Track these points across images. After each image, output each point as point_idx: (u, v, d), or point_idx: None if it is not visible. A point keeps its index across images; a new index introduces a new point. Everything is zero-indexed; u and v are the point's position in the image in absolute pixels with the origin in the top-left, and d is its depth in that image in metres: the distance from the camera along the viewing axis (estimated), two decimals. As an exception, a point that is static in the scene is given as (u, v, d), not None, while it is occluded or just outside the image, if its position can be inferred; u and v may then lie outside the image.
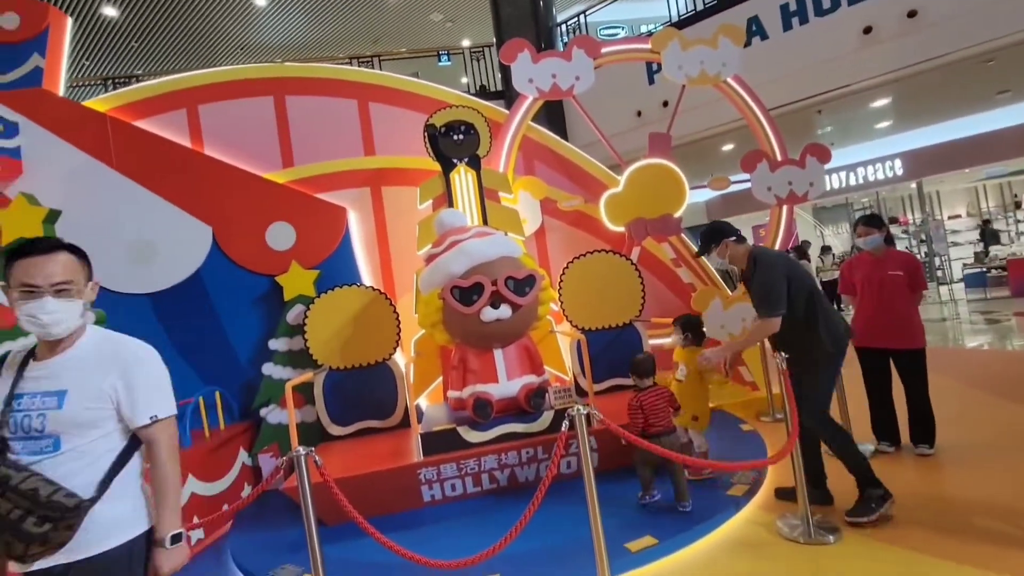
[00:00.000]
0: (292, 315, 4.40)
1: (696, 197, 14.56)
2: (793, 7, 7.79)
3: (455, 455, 3.44)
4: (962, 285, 12.22)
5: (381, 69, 10.25)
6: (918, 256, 10.02)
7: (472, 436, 3.49)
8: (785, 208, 5.27)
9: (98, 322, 3.48)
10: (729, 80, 5.23)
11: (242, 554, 3.24)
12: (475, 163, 4.51)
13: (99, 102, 4.59)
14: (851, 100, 8.40)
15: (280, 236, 4.63)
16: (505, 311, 3.46)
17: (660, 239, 5.20)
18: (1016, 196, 13.48)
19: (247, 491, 4.15)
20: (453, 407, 3.75)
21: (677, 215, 5.09)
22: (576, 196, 5.15)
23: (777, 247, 5.31)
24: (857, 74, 7.57)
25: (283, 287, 4.47)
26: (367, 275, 4.91)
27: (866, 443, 3.77)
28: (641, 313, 4.67)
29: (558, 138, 5.36)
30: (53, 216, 3.55)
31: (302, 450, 2.16)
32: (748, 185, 5.23)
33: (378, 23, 12.52)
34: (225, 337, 4.55)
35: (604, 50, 5.07)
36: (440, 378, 4.55)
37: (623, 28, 14.73)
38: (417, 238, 4.44)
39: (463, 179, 4.50)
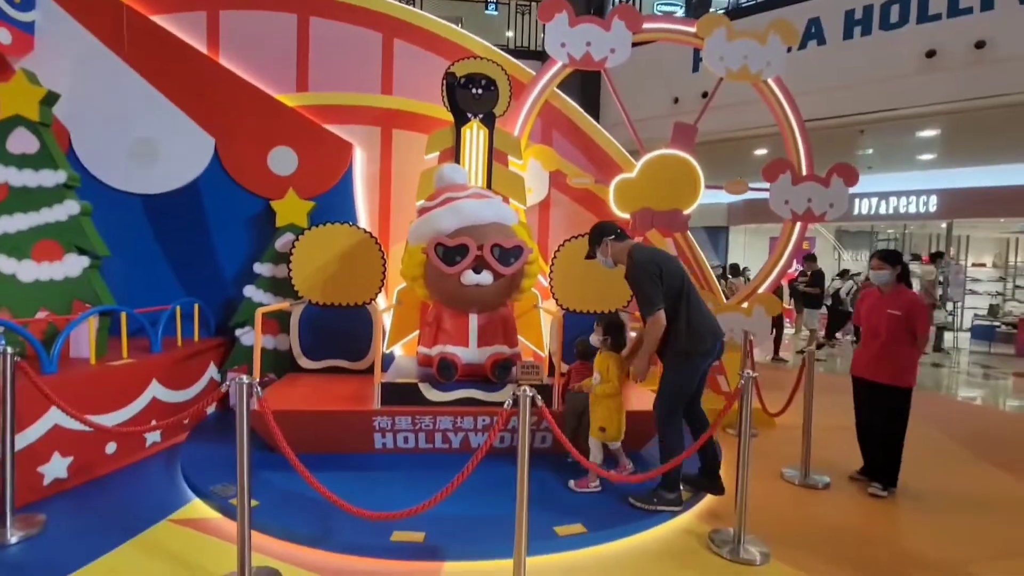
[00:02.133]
0: (281, 242, 4.37)
1: (719, 198, 14.22)
2: (859, 15, 7.34)
3: (411, 409, 3.46)
4: (968, 335, 11.97)
5: (422, 7, 9.87)
6: (934, 298, 9.80)
7: (432, 394, 3.50)
8: (799, 225, 5.10)
9: (83, 214, 3.48)
10: (769, 81, 4.97)
11: (191, 466, 3.31)
12: (489, 121, 4.36)
13: (118, -11, 4.45)
14: (899, 125, 8.03)
15: (282, 161, 4.55)
16: (486, 277, 3.41)
17: (665, 233, 5.07)
18: (1048, 255, 13.04)
19: (212, 405, 4.23)
20: (420, 362, 3.76)
21: (687, 211, 4.94)
22: (587, 175, 5.00)
23: (782, 263, 5.18)
24: (911, 98, 7.19)
25: (276, 213, 4.42)
26: (364, 216, 4.85)
27: (823, 475, 3.75)
28: (629, 304, 4.60)
29: (581, 110, 5.16)
30: (51, 99, 3.48)
31: (245, 379, 2.16)
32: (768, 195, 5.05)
33: (430, -43, 11.99)
34: (212, 252, 4.55)
35: (646, 25, 4.81)
36: (417, 331, 4.55)
37: (681, 7, 14.04)
38: (417, 188, 4.35)
39: (474, 135, 4.36)
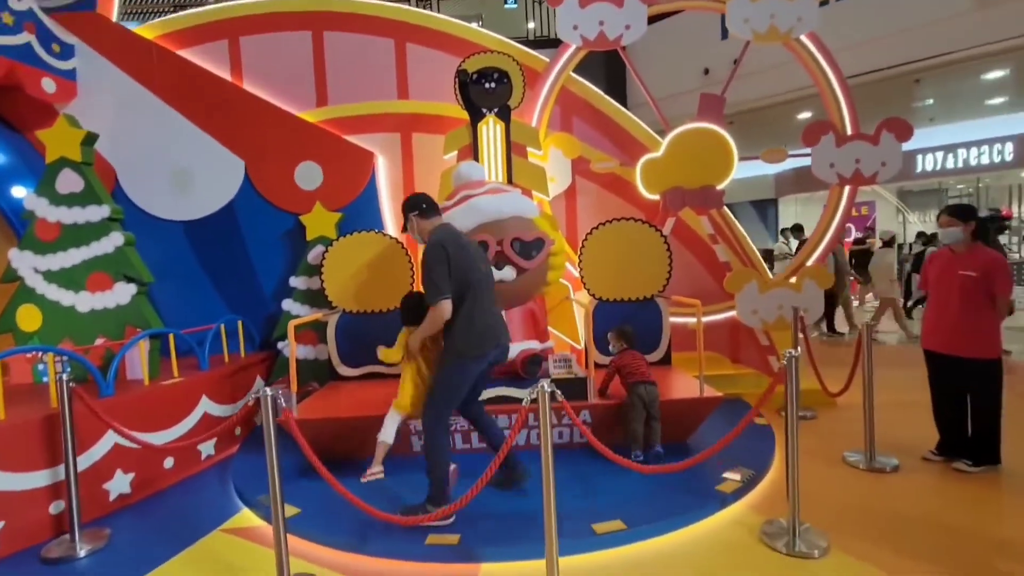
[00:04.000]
0: (312, 255, 4.49)
1: (764, 169, 13.51)
2: (902, -46, 6.74)
3: (446, 411, 3.45)
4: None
5: (439, 8, 9.91)
6: (1015, 255, 8.84)
7: (465, 394, 3.47)
8: (847, 189, 4.73)
9: (127, 244, 3.68)
10: (802, 38, 4.63)
11: (241, 477, 3.44)
12: (505, 114, 4.29)
13: (147, 28, 4.70)
14: (958, 69, 7.33)
15: (308, 176, 4.67)
16: (509, 273, 3.35)
17: (700, 211, 4.83)
18: None
19: (259, 417, 4.40)
20: (452, 363, 3.74)
21: (720, 187, 4.68)
22: (611, 159, 4.84)
23: (831, 232, 4.82)
24: (969, 38, 6.54)
25: (306, 227, 4.54)
26: (391, 223, 4.90)
27: (890, 456, 3.45)
28: (665, 289, 4.42)
29: (601, 93, 5.00)
30: (91, 139, 3.71)
31: (269, 391, 2.20)
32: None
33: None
34: (252, 270, 4.73)
35: (661, -4, 4.60)
36: (450, 332, 4.55)
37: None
38: (439, 189, 4.35)
39: (491, 130, 4.31)
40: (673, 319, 4.44)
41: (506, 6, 13.18)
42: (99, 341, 3.65)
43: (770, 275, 5.01)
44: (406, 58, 4.89)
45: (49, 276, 3.64)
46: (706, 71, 8.36)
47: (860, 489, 3.12)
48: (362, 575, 2.43)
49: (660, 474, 2.97)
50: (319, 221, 4.53)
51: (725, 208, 4.88)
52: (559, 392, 2.14)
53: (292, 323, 3.56)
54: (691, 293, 4.95)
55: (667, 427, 3.43)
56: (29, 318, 3.64)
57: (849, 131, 4.68)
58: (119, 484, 3.17)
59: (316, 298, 4.48)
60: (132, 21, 9.81)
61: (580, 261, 4.40)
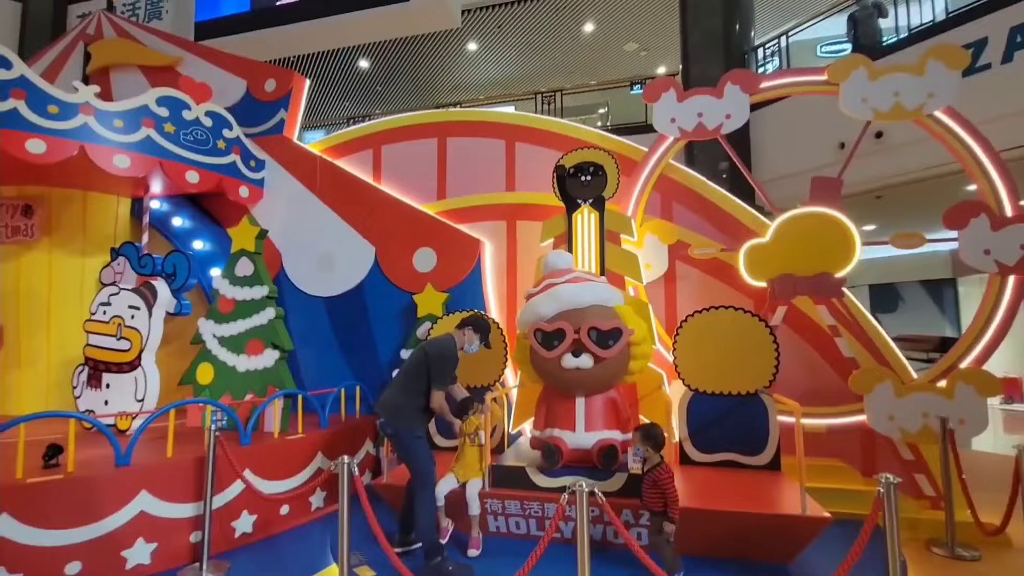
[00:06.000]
0: (420, 330, 4.98)
1: (938, 244, 11.62)
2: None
3: (519, 493, 3.49)
4: None
5: (562, 102, 10.75)
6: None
7: (540, 479, 3.50)
8: (1012, 280, 3.99)
9: (277, 317, 4.48)
10: (938, 114, 4.19)
11: (338, 532, 3.79)
12: (599, 204, 4.50)
13: (315, 145, 5.90)
14: None
15: (424, 260, 5.30)
16: (586, 361, 3.40)
17: (818, 301, 4.42)
18: None
19: (367, 477, 4.82)
20: (532, 445, 3.81)
21: (840, 274, 4.26)
22: (713, 244, 4.71)
23: (993, 329, 4.05)
24: None
25: (418, 305, 5.09)
26: (494, 304, 5.26)
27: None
28: (771, 384, 4.05)
29: (703, 179, 4.97)
30: (262, 234, 4.71)
31: (346, 458, 2.51)
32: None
33: (574, 56, 13.10)
34: (373, 341, 5.38)
35: (764, 84, 4.56)
36: (540, 412, 4.63)
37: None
38: (534, 275, 4.62)
39: (586, 220, 4.53)
40: (780, 417, 4.01)
41: (632, 92, 13.78)
42: (248, 397, 4.42)
43: (913, 374, 4.30)
44: (515, 155, 5.43)
45: (222, 341, 4.57)
46: (842, 145, 7.76)
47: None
48: (412, 652, 2.52)
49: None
50: (429, 300, 5.06)
51: (849, 296, 4.40)
52: (600, 493, 2.11)
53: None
54: (812, 391, 4.47)
55: (762, 548, 3.06)
56: (205, 374, 4.58)
57: (1009, 212, 4.02)
58: (244, 523, 3.72)
59: (422, 370, 4.91)
60: (316, 131, 12.25)
61: (674, 350, 4.26)
